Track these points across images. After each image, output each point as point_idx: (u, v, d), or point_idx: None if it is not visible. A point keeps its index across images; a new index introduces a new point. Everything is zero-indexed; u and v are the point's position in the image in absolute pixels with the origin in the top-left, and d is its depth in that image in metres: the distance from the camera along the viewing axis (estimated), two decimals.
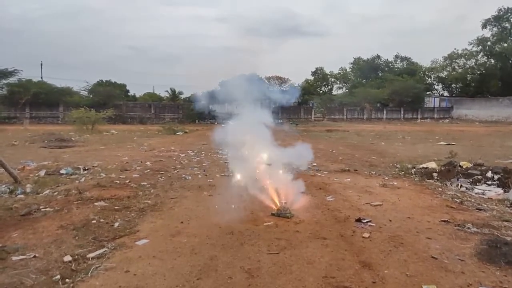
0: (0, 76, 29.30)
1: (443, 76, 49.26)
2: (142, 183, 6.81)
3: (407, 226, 4.36)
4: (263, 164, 5.20)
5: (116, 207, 5.11)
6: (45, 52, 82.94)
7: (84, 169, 8.27)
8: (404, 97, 39.89)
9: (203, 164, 9.28)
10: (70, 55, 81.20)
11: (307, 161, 5.89)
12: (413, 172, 7.94)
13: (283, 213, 4.68)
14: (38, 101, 30.16)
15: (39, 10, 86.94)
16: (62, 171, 7.84)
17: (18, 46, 74.83)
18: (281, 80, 41.45)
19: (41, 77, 39.64)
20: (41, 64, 44.56)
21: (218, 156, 9.99)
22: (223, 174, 7.64)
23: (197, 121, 32.47)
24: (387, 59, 55.37)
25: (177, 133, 21.05)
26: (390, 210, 5.08)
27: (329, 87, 57.84)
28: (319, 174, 8.01)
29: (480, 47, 43.98)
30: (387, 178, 7.48)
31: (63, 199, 5.58)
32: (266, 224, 4.39)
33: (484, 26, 43.44)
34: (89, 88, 34.57)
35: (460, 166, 7.65)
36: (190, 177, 7.50)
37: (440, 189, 6.39)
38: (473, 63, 45.86)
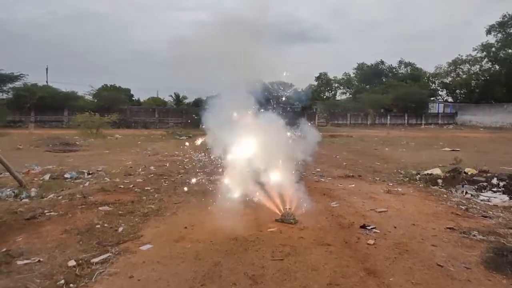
0: (6, 80, 29.54)
1: (447, 81, 49.09)
2: (146, 188, 6.82)
3: (412, 233, 4.33)
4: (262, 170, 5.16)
5: (120, 212, 5.12)
6: (50, 57, 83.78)
7: (89, 173, 8.29)
8: (408, 102, 39.78)
9: (207, 169, 9.28)
10: (75, 60, 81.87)
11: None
12: (417, 179, 7.90)
13: (287, 219, 4.66)
14: (43, 105, 30.34)
15: (45, 15, 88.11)
16: (67, 175, 7.87)
17: (24, 50, 75.67)
18: (285, 85, 41.51)
19: (47, 81, 40.00)
20: (47, 69, 44.87)
21: (220, 160, 10.00)
22: (225, 178, 7.63)
23: (201, 125, 32.48)
24: (391, 65, 55.36)
25: (181, 138, 21.09)
26: (394, 216, 5.05)
27: (332, 92, 57.88)
28: (323, 179, 7.98)
29: (485, 53, 43.80)
30: (391, 184, 7.45)
31: (67, 203, 5.59)
32: (270, 230, 4.38)
33: (488, 32, 43.31)
34: (94, 92, 34.75)
35: (465, 172, 7.61)
36: (194, 182, 7.50)
37: (445, 195, 6.35)
38: (478, 69, 45.66)
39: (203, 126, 5.47)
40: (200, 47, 5.53)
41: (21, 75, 30.17)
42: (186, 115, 33.16)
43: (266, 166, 5.22)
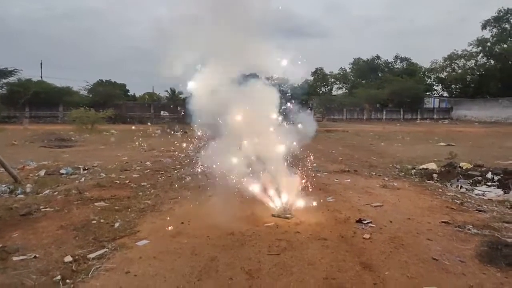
0: (0, 76, 29.27)
1: (443, 76, 49.33)
2: (142, 183, 6.81)
3: (408, 227, 4.36)
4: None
5: (116, 208, 5.11)
6: (45, 52, 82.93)
7: (84, 169, 8.26)
8: (403, 97, 39.97)
9: (203, 164, 9.25)
10: (70, 55, 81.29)
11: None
12: (413, 173, 7.94)
13: (284, 214, 4.67)
14: (37, 100, 30.11)
15: (41, 10, 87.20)
16: (62, 171, 7.84)
17: (19, 45, 74.90)
18: (280, 80, 41.45)
19: (41, 77, 39.64)
20: (41, 64, 44.49)
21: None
22: (223, 174, 7.62)
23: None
24: (387, 60, 55.46)
25: (177, 133, 21.02)
26: (390, 211, 5.08)
27: (328, 87, 57.92)
28: (319, 174, 7.99)
29: (480, 48, 44.05)
30: (387, 179, 7.48)
31: (63, 199, 5.57)
32: (266, 225, 4.39)
33: (483, 27, 43.53)
34: (89, 87, 34.62)
35: (460, 167, 7.67)
36: (190, 177, 7.48)
37: (440, 190, 6.39)
38: (473, 64, 45.95)
39: (192, 120, 5.45)
40: (195, 40, 5.47)
41: (15, 70, 29.97)
42: (181, 110, 33.04)
43: (260, 157, 5.16)
